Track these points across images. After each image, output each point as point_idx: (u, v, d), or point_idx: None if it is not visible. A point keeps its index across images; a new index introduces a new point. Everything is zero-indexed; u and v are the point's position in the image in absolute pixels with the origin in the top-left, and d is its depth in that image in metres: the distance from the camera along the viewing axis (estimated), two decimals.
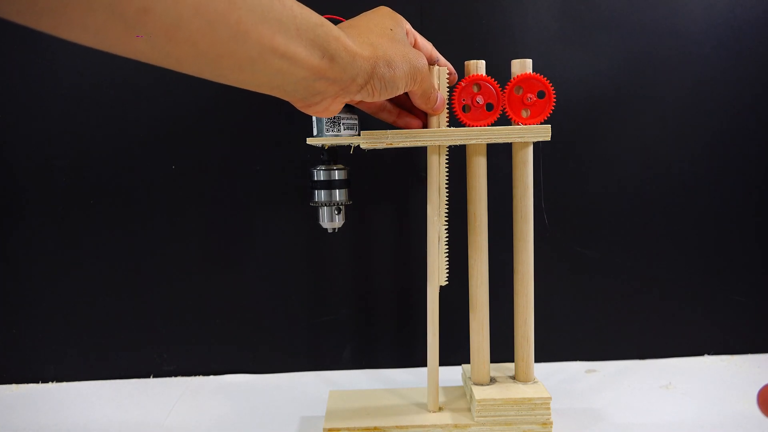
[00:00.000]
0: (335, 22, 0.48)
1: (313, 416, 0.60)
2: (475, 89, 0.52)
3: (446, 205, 0.53)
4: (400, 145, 0.51)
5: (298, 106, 0.41)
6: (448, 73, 0.51)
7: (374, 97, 0.43)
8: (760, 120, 0.67)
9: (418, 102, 0.49)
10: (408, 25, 0.46)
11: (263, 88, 0.37)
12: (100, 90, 0.65)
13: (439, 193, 0.53)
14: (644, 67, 0.66)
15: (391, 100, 0.51)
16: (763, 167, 0.68)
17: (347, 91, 0.40)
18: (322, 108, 0.41)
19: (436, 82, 0.50)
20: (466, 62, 0.52)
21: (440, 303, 0.54)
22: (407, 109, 0.52)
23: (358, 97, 0.42)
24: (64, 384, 0.69)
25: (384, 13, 0.45)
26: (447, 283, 0.54)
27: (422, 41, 0.48)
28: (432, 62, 0.50)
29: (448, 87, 0.51)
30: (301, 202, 0.67)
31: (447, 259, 0.54)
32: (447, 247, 0.53)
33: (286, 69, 0.35)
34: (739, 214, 0.69)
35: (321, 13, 0.50)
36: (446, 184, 0.53)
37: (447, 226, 0.53)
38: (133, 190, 0.67)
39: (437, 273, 0.54)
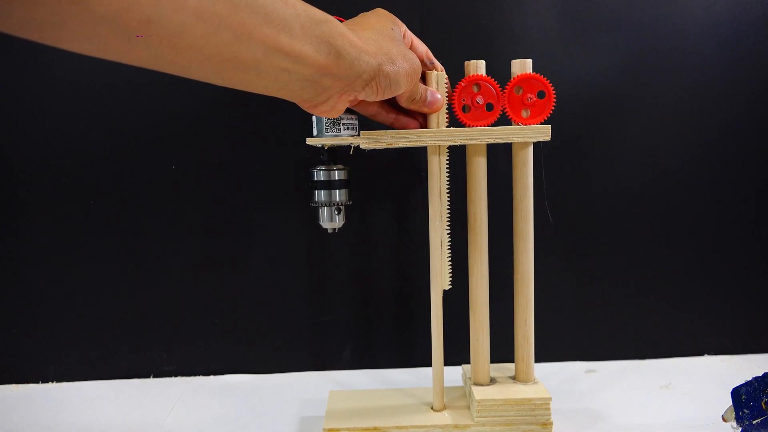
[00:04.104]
0: None
1: (313, 416, 0.60)
2: (475, 89, 0.51)
3: (447, 207, 0.53)
4: (400, 145, 0.51)
5: (305, 106, 0.41)
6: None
7: (377, 96, 0.43)
8: (760, 120, 0.67)
9: (405, 103, 0.49)
10: (404, 27, 0.46)
11: (269, 90, 0.37)
12: (100, 90, 0.65)
13: (441, 197, 0.53)
14: (644, 67, 0.66)
15: (384, 103, 0.51)
16: (763, 167, 0.68)
17: (352, 87, 0.40)
18: (329, 107, 0.41)
19: (434, 87, 0.51)
20: (465, 62, 0.52)
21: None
22: (402, 111, 0.52)
23: (361, 96, 0.42)
24: (64, 384, 0.69)
25: (382, 14, 0.45)
26: (450, 286, 0.54)
27: (418, 43, 0.48)
28: (426, 64, 0.50)
29: (446, 92, 0.51)
30: (301, 202, 0.67)
31: (450, 261, 0.54)
32: (449, 250, 0.53)
33: (292, 68, 0.35)
34: (740, 214, 0.69)
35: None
36: (447, 185, 0.53)
37: (449, 230, 0.53)
38: (133, 190, 0.67)
39: (440, 277, 0.54)
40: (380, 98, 0.43)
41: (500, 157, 0.63)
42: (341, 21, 0.48)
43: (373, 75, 0.40)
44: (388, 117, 0.51)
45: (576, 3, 0.65)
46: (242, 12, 0.30)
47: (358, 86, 0.40)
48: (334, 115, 0.43)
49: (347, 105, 0.43)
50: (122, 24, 0.26)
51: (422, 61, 0.49)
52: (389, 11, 0.46)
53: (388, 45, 0.42)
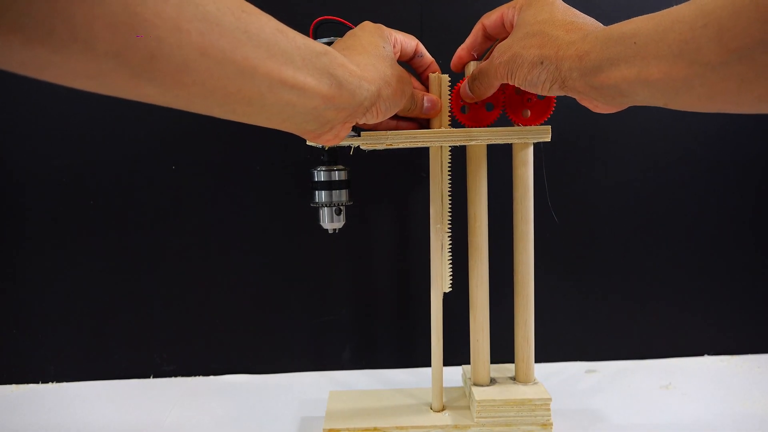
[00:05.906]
0: (335, 23, 0.48)
1: (313, 416, 0.60)
2: None
3: (449, 208, 0.53)
4: (400, 146, 0.51)
5: (309, 137, 0.41)
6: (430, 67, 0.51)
7: (376, 119, 0.43)
8: (759, 119, 0.67)
9: (402, 114, 0.49)
10: (392, 35, 0.46)
11: (273, 122, 0.37)
12: None
13: (442, 200, 0.53)
14: None
15: None
16: (763, 167, 0.68)
17: (354, 115, 0.40)
18: (332, 136, 0.41)
19: (437, 89, 0.51)
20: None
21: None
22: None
23: (362, 121, 0.42)
24: (64, 384, 0.69)
25: (370, 30, 0.45)
26: (451, 289, 0.54)
27: (403, 38, 0.48)
28: (417, 54, 0.50)
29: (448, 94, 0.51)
30: (301, 202, 0.67)
31: (450, 262, 0.53)
32: (450, 253, 0.53)
33: (296, 100, 0.35)
34: (739, 214, 0.69)
35: (321, 13, 0.50)
36: (449, 188, 0.53)
37: (450, 233, 0.53)
38: (133, 191, 0.67)
39: (441, 280, 0.54)
40: (380, 120, 0.44)
41: (500, 157, 0.63)
42: (347, 24, 0.48)
43: (374, 101, 0.41)
44: (389, 125, 0.51)
45: (576, 3, 0.65)
46: (245, 46, 0.30)
47: (360, 113, 0.41)
48: (337, 142, 0.43)
49: (349, 131, 0.43)
50: (125, 61, 0.26)
51: (412, 56, 0.50)
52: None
53: (383, 67, 0.42)
